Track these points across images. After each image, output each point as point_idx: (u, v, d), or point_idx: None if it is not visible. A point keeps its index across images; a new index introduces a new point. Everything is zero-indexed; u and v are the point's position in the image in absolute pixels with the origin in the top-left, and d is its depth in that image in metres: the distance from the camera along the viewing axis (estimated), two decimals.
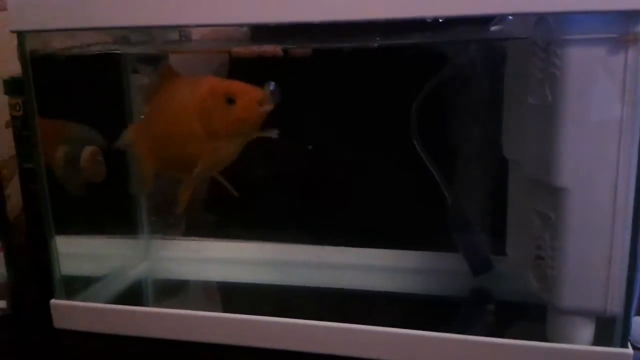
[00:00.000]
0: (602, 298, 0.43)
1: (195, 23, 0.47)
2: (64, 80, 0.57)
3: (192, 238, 0.68)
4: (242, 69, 0.71)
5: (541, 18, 0.43)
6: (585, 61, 0.41)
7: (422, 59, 0.51)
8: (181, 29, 0.57)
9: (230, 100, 0.49)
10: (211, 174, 0.55)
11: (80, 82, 0.59)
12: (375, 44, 0.48)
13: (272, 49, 0.54)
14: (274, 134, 0.51)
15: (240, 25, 0.49)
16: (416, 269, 0.62)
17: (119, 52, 0.61)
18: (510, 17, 0.46)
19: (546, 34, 0.43)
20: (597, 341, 0.45)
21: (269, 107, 0.49)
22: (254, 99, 0.49)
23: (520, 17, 0.45)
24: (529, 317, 0.52)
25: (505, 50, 0.52)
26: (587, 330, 0.45)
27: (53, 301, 0.54)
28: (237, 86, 0.50)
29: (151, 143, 0.56)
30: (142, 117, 0.59)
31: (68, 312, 0.54)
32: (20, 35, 0.51)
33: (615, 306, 0.43)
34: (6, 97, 0.67)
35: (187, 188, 0.54)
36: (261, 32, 0.53)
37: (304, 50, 0.55)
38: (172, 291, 0.65)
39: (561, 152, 0.42)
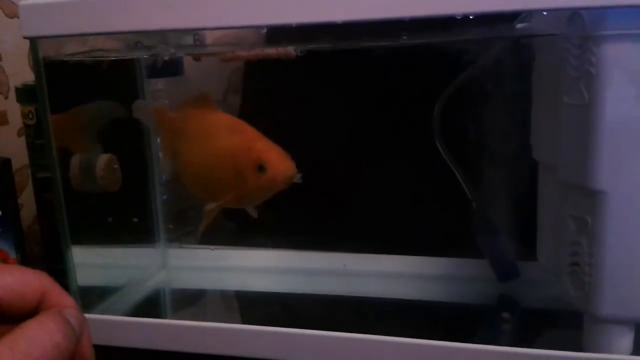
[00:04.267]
0: None
1: (211, 26, 0.46)
2: (78, 86, 0.56)
3: (210, 246, 0.66)
4: (257, 69, 0.70)
5: (575, 13, 0.41)
6: (623, 58, 0.39)
7: (446, 58, 0.50)
8: (195, 33, 0.56)
9: (261, 168, 0.50)
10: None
11: (94, 87, 0.58)
12: (399, 44, 0.46)
13: (284, 50, 0.53)
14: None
15: (258, 27, 0.48)
16: (441, 275, 0.61)
17: (134, 57, 0.60)
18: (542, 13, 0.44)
19: (581, 30, 0.41)
20: (636, 351, 0.43)
21: (295, 180, 0.51)
22: (283, 173, 0.50)
23: (552, 12, 0.43)
24: (562, 325, 0.50)
25: (534, 48, 0.50)
26: (626, 339, 0.43)
27: None
28: (270, 155, 0.51)
29: (183, 162, 0.57)
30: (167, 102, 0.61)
31: None
32: (33, 41, 0.49)
33: None
34: (18, 105, 0.67)
35: (210, 215, 0.55)
36: (277, 33, 0.52)
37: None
38: (190, 301, 0.64)
39: (599, 154, 0.40)
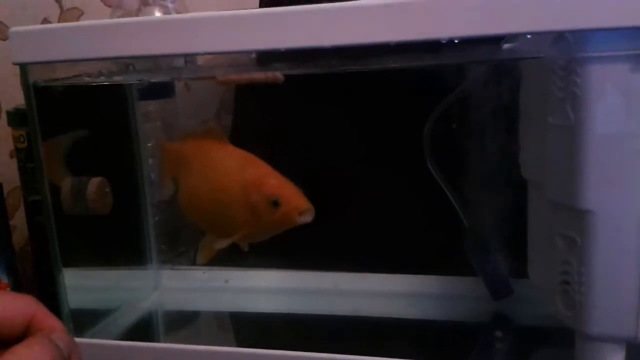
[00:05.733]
0: (633, 324, 0.41)
1: (201, 51, 0.46)
2: (69, 110, 0.56)
3: (202, 268, 0.66)
4: (249, 90, 0.71)
5: (559, 35, 0.42)
6: (607, 79, 0.39)
7: (435, 80, 0.50)
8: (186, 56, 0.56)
9: (275, 203, 0.49)
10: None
11: (86, 111, 0.58)
12: (388, 66, 0.47)
13: (272, 75, 0.53)
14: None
15: (249, 52, 0.48)
16: (434, 294, 0.61)
17: (126, 82, 0.60)
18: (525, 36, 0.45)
19: (565, 52, 0.41)
20: None
21: (309, 219, 0.50)
22: (297, 210, 0.49)
23: (537, 35, 0.44)
24: (555, 343, 0.50)
25: (521, 69, 0.51)
26: (617, 357, 0.43)
27: None
28: (284, 192, 0.50)
29: (189, 199, 0.56)
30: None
31: None
32: (23, 67, 0.50)
33: None
34: (9, 128, 0.67)
35: (208, 249, 0.55)
36: (267, 56, 0.52)
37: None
38: (184, 322, 0.63)
39: (585, 174, 0.40)
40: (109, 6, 0.82)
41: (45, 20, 0.84)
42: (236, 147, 0.55)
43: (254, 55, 0.50)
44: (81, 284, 0.57)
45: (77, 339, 0.52)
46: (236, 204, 0.51)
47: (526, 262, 0.54)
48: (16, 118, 0.65)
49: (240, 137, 0.69)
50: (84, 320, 0.55)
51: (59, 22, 0.83)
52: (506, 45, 0.47)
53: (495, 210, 0.57)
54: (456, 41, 0.39)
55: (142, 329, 0.60)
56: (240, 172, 0.52)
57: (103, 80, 0.53)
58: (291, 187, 0.50)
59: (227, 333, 0.64)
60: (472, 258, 0.58)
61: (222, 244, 0.53)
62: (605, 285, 0.41)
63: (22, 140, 0.64)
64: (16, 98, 0.71)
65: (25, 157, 0.65)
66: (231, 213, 0.52)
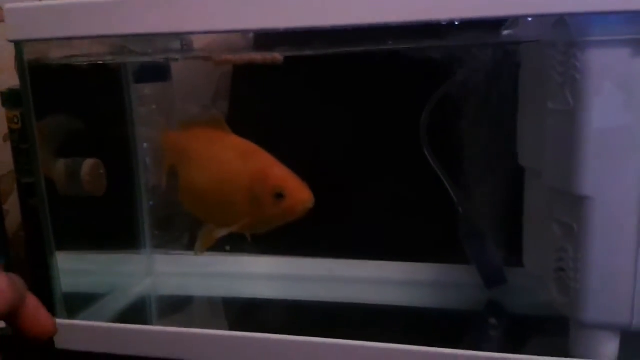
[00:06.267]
0: (628, 312, 0.41)
1: (198, 30, 0.46)
2: (64, 91, 0.56)
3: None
4: (245, 74, 0.70)
5: (559, 20, 0.41)
6: (607, 64, 0.39)
7: (434, 65, 0.50)
8: (183, 37, 0.56)
9: (279, 195, 0.49)
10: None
11: (81, 92, 0.57)
12: (385, 49, 0.46)
13: (271, 56, 0.53)
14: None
15: (245, 32, 0.48)
16: (428, 281, 0.60)
17: (121, 62, 0.59)
18: (526, 19, 0.44)
19: (565, 36, 0.41)
20: (622, 356, 0.43)
21: (310, 206, 0.50)
22: (301, 201, 0.49)
23: (536, 19, 0.43)
24: (549, 331, 0.50)
25: (520, 54, 0.50)
26: (611, 345, 0.43)
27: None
28: (288, 183, 0.50)
29: (189, 189, 0.55)
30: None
31: (70, 331, 0.52)
32: (18, 45, 0.49)
33: None
34: (3, 110, 0.66)
35: (208, 238, 0.54)
36: (265, 38, 0.52)
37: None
38: (177, 307, 0.63)
39: (584, 160, 0.40)
40: None
41: None
42: (238, 136, 0.54)
43: (251, 36, 0.49)
44: (74, 268, 0.57)
45: (69, 321, 0.52)
46: (239, 195, 0.51)
47: (520, 251, 0.54)
48: (10, 98, 0.64)
49: (236, 123, 0.68)
50: (76, 304, 0.55)
51: None
52: (506, 32, 0.47)
53: (490, 199, 0.57)
54: (457, 23, 0.39)
55: (135, 313, 0.60)
56: (243, 163, 0.52)
57: (98, 60, 0.53)
58: (295, 180, 0.50)
59: (220, 319, 0.64)
60: (466, 246, 0.58)
61: (223, 232, 0.53)
62: (601, 273, 0.41)
63: (15, 121, 0.64)
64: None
65: (19, 139, 0.64)
66: (233, 204, 0.51)
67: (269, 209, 0.50)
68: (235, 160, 0.52)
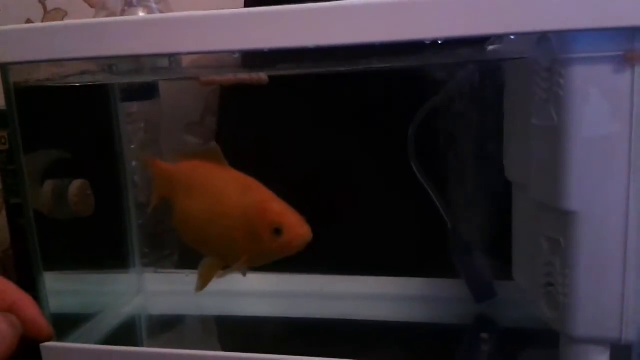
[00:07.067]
0: (617, 326, 0.41)
1: (184, 51, 0.46)
2: (51, 111, 0.56)
3: (186, 271, 0.65)
4: (233, 91, 0.70)
5: (543, 37, 0.42)
6: (590, 80, 0.39)
7: (420, 81, 0.50)
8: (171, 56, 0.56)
9: (277, 231, 0.48)
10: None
11: (68, 112, 0.57)
12: (372, 67, 0.46)
13: (256, 76, 0.53)
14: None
15: (233, 53, 0.48)
16: (417, 296, 0.60)
17: (108, 82, 0.59)
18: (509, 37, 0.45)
19: (548, 53, 0.41)
20: None
21: (309, 241, 0.49)
22: (299, 236, 0.48)
23: (520, 36, 0.44)
24: (540, 345, 0.51)
25: (504, 72, 0.51)
26: (601, 358, 0.43)
27: (43, 344, 0.52)
28: (286, 219, 0.49)
29: (185, 221, 0.55)
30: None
31: (60, 354, 0.51)
32: (4, 67, 0.49)
33: (630, 334, 0.41)
34: None
35: (207, 277, 0.53)
36: (252, 58, 0.52)
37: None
38: (168, 326, 0.63)
39: (569, 175, 0.40)
40: (93, 7, 0.81)
41: (29, 21, 0.83)
42: (236, 170, 0.53)
43: (237, 56, 0.49)
44: (63, 288, 0.56)
45: (60, 344, 0.51)
46: (237, 228, 0.50)
47: (510, 265, 0.54)
48: None
49: (224, 139, 0.68)
50: (65, 325, 0.54)
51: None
52: (490, 48, 0.47)
53: (479, 213, 0.57)
54: (440, 42, 0.39)
55: (125, 334, 0.59)
56: (241, 197, 0.51)
57: (89, 80, 0.53)
58: (293, 214, 0.49)
59: (212, 337, 0.63)
60: (456, 261, 0.58)
61: (222, 274, 0.52)
62: (590, 287, 0.41)
63: (3, 142, 0.64)
64: None
65: (7, 159, 0.64)
66: (230, 238, 0.51)
67: (267, 244, 0.49)
68: (233, 194, 0.51)
